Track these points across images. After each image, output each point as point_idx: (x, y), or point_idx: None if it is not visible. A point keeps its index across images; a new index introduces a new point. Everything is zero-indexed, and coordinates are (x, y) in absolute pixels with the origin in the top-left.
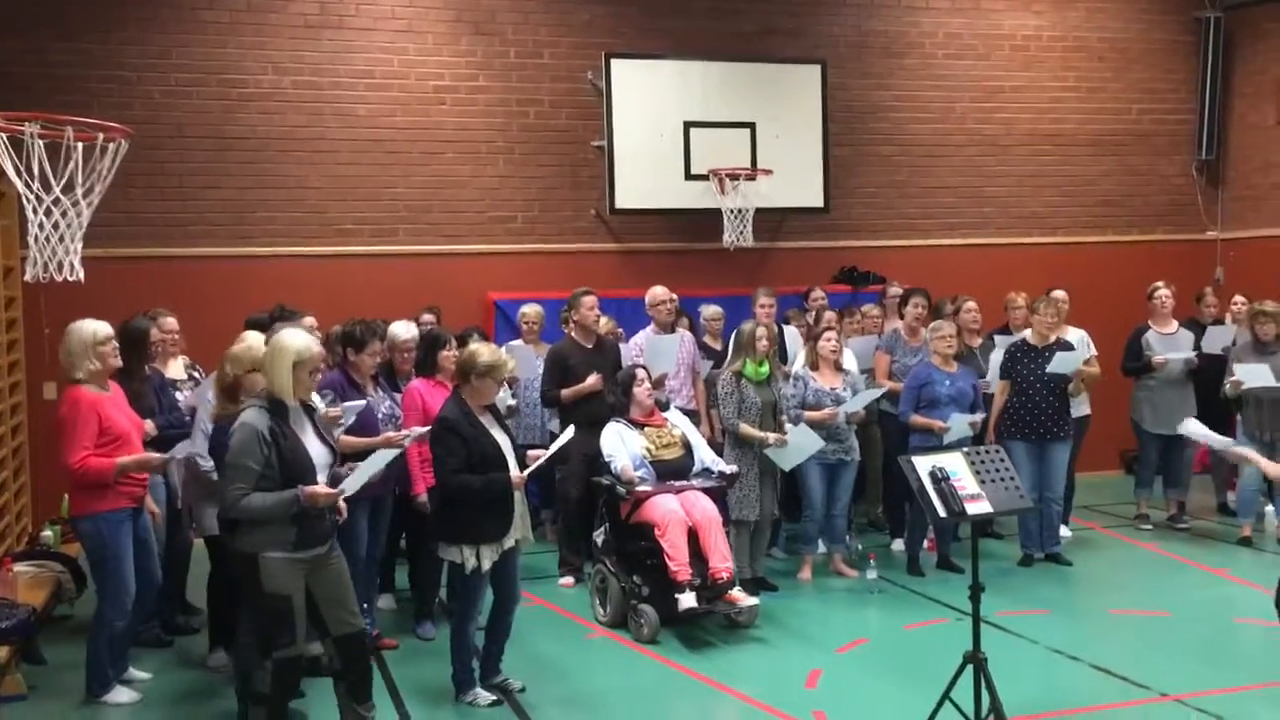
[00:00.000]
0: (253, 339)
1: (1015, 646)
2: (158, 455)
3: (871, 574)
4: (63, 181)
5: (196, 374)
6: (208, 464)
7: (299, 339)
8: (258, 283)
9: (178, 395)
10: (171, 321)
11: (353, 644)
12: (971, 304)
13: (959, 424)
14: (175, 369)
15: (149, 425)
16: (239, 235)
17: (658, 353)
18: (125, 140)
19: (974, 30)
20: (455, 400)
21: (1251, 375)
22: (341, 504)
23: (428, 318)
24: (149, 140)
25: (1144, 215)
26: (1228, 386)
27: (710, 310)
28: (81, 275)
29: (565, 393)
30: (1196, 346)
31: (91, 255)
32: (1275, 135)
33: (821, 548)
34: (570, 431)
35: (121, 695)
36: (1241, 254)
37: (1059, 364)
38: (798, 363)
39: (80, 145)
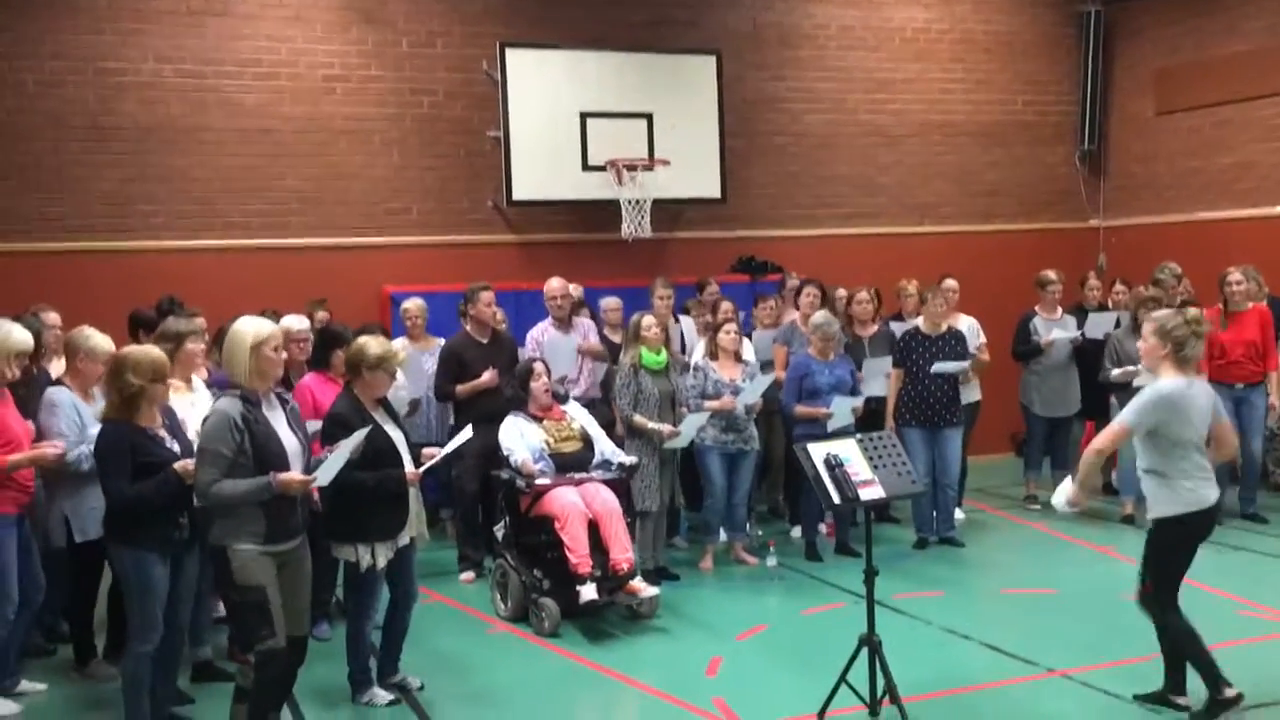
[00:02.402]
0: (154, 348)
1: (910, 628)
2: (52, 450)
3: (771, 561)
4: None
5: None
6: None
7: (253, 322)
8: (141, 278)
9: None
10: (54, 318)
11: (297, 648)
12: (863, 295)
13: (842, 408)
14: (57, 369)
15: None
16: (121, 229)
17: (556, 352)
18: None
19: (866, 23)
20: (347, 396)
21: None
22: (315, 496)
23: (321, 314)
24: (22, 130)
25: (1030, 204)
26: (1114, 373)
27: (609, 301)
28: None
29: (461, 388)
30: (1080, 330)
31: None
32: (1153, 126)
33: (723, 536)
34: (468, 432)
35: (3, 708)
36: (1122, 241)
37: (942, 368)
38: (697, 353)
39: None
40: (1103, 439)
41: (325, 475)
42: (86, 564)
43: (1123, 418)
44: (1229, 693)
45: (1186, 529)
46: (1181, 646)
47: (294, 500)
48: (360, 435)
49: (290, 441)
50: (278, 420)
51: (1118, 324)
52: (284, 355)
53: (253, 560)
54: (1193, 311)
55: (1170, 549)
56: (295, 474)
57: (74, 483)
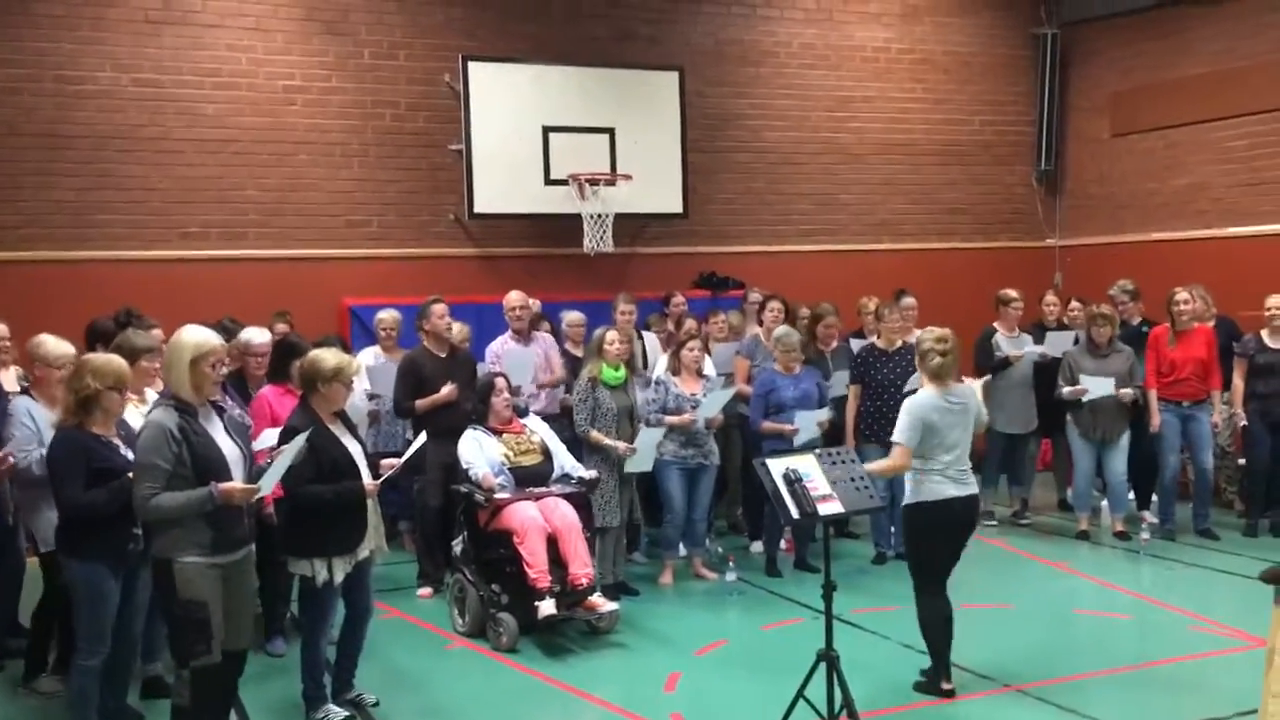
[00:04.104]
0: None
1: (868, 643)
2: (9, 458)
3: (731, 576)
4: None
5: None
6: (25, 456)
7: (196, 334)
8: (97, 288)
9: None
10: (3, 329)
11: (238, 662)
12: (832, 319)
13: (807, 423)
14: (8, 380)
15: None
16: (77, 238)
17: (515, 365)
18: None
19: (827, 41)
20: (303, 409)
21: (1096, 387)
22: (270, 507)
23: (281, 326)
24: None
25: (988, 223)
26: (1065, 391)
27: (571, 316)
28: None
29: (420, 403)
30: (1040, 347)
31: None
32: (1108, 148)
33: (682, 551)
34: (422, 438)
35: None
36: (1078, 259)
37: (914, 382)
38: (659, 368)
39: None
40: (887, 463)
41: (269, 483)
42: (50, 575)
43: (895, 437)
44: (945, 685)
45: (928, 517)
46: (925, 625)
47: (240, 510)
48: (301, 440)
49: (230, 450)
50: (215, 429)
51: (1076, 341)
52: (222, 371)
53: (199, 575)
54: (938, 331)
55: (916, 536)
56: (237, 484)
57: (33, 493)
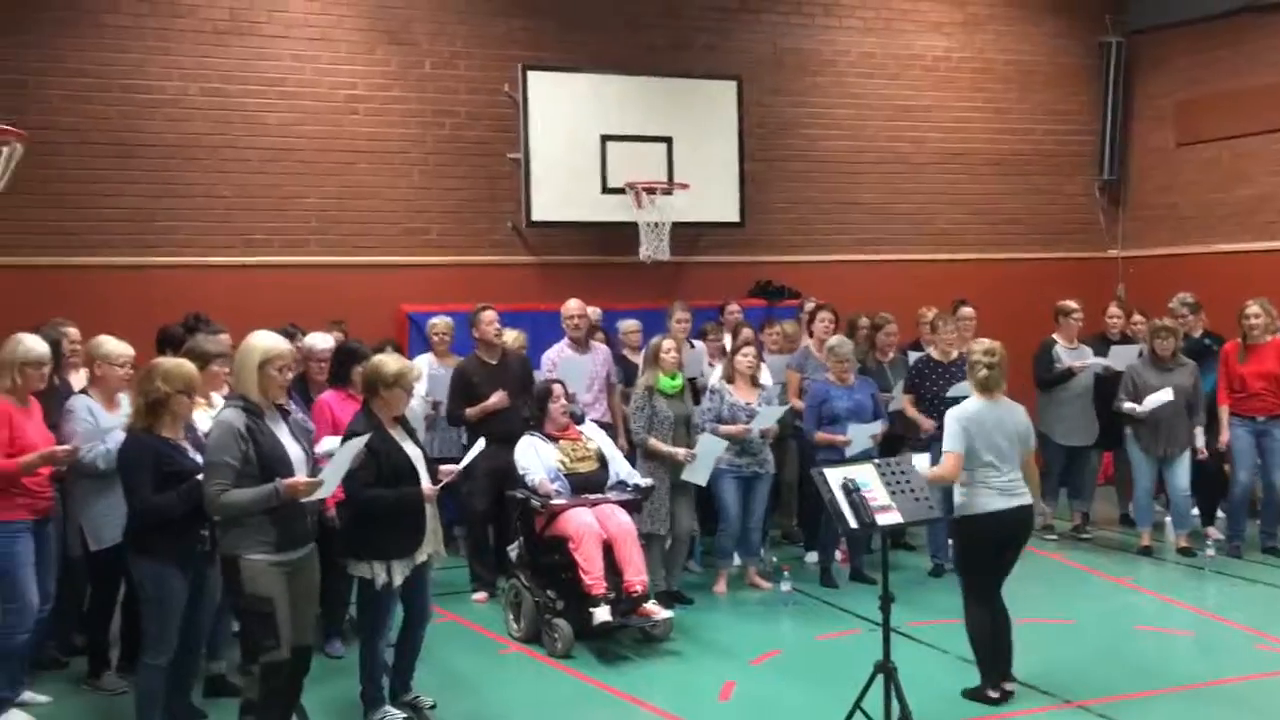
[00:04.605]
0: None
1: (925, 656)
2: (62, 448)
3: (785, 586)
4: None
5: None
6: (86, 453)
7: (266, 339)
8: (161, 294)
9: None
10: (74, 332)
11: (303, 658)
12: (893, 327)
13: (860, 435)
14: (78, 381)
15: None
16: (142, 245)
17: (570, 372)
18: (19, 144)
19: (886, 50)
20: (365, 414)
21: (1154, 402)
22: (331, 510)
23: (336, 335)
24: (46, 146)
25: (1048, 233)
26: (1125, 406)
27: (627, 324)
28: None
29: (470, 411)
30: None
31: None
32: (1173, 158)
33: (736, 561)
34: (481, 444)
35: (15, 718)
36: (1141, 271)
37: (959, 391)
38: (714, 377)
39: None
40: (937, 470)
41: (331, 477)
42: (102, 573)
43: (945, 445)
44: (991, 694)
45: (976, 529)
46: (972, 635)
47: (302, 508)
48: (359, 442)
49: (294, 450)
50: (281, 431)
51: (1140, 355)
52: (289, 375)
53: (263, 572)
54: (986, 342)
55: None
56: (301, 478)
57: (87, 490)
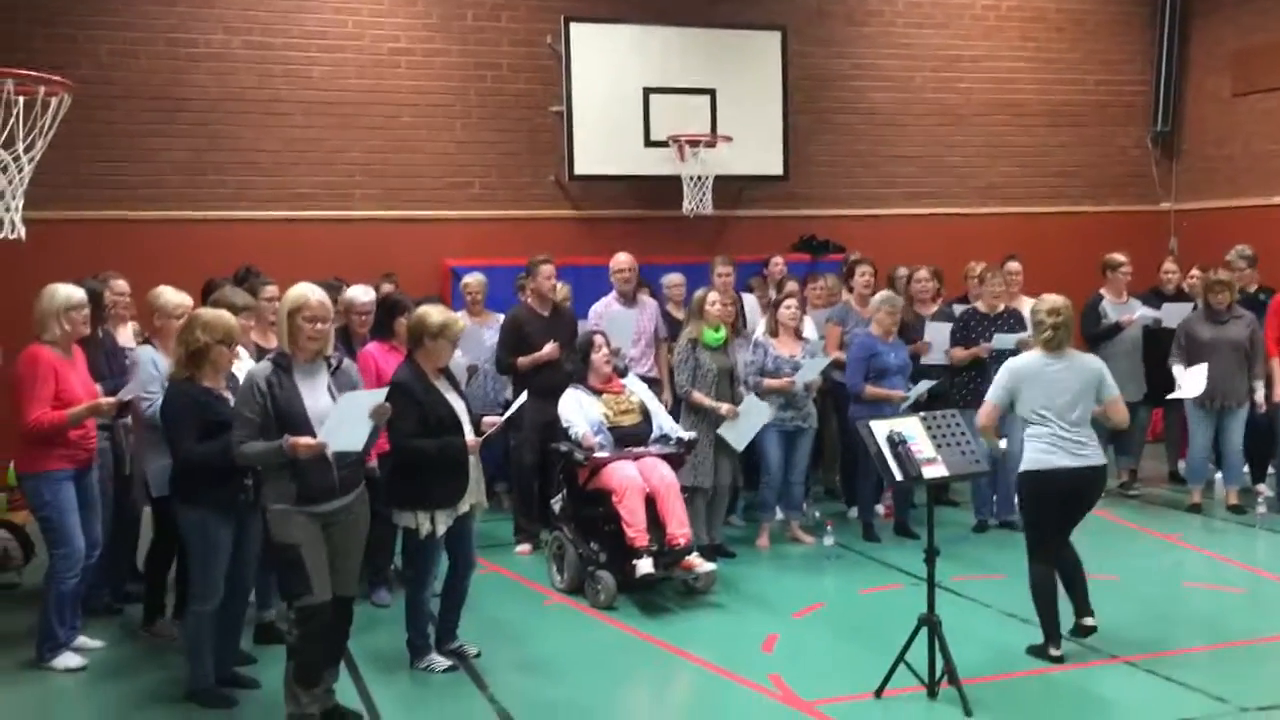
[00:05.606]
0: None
1: (969, 610)
2: (106, 399)
3: (828, 540)
4: (3, 137)
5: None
6: (149, 405)
7: (295, 290)
8: (208, 247)
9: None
10: (122, 284)
11: (346, 608)
12: (923, 273)
13: (919, 391)
14: (125, 335)
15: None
16: (189, 199)
17: (615, 326)
18: (67, 95)
19: None
20: (409, 364)
21: (1191, 386)
22: (373, 461)
23: (387, 286)
24: (96, 100)
25: (1099, 186)
26: (1174, 369)
27: (671, 278)
28: (23, 233)
29: (522, 361)
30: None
31: (39, 218)
32: (1230, 108)
33: (779, 515)
34: (524, 397)
35: (70, 660)
36: (1194, 225)
37: (1002, 340)
38: (758, 330)
39: (21, 100)
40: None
41: (335, 436)
42: (162, 521)
43: (988, 395)
44: (1053, 651)
45: (1036, 485)
46: (1034, 592)
47: (326, 462)
48: (369, 397)
49: (319, 406)
50: (314, 384)
51: (1195, 308)
52: (319, 327)
53: (287, 518)
54: (1051, 300)
55: (1027, 502)
56: (304, 438)
57: (147, 440)
